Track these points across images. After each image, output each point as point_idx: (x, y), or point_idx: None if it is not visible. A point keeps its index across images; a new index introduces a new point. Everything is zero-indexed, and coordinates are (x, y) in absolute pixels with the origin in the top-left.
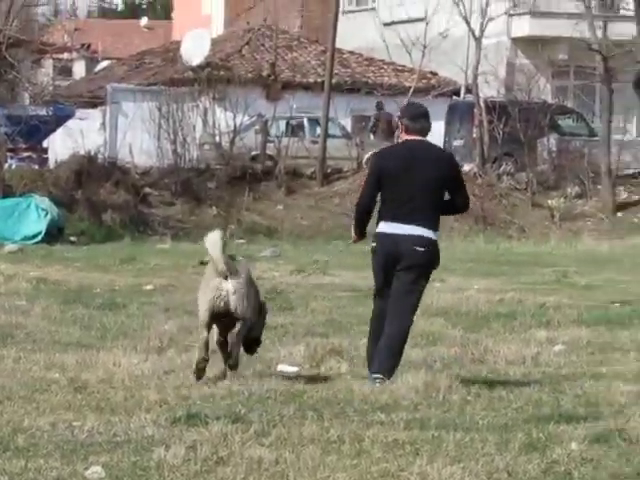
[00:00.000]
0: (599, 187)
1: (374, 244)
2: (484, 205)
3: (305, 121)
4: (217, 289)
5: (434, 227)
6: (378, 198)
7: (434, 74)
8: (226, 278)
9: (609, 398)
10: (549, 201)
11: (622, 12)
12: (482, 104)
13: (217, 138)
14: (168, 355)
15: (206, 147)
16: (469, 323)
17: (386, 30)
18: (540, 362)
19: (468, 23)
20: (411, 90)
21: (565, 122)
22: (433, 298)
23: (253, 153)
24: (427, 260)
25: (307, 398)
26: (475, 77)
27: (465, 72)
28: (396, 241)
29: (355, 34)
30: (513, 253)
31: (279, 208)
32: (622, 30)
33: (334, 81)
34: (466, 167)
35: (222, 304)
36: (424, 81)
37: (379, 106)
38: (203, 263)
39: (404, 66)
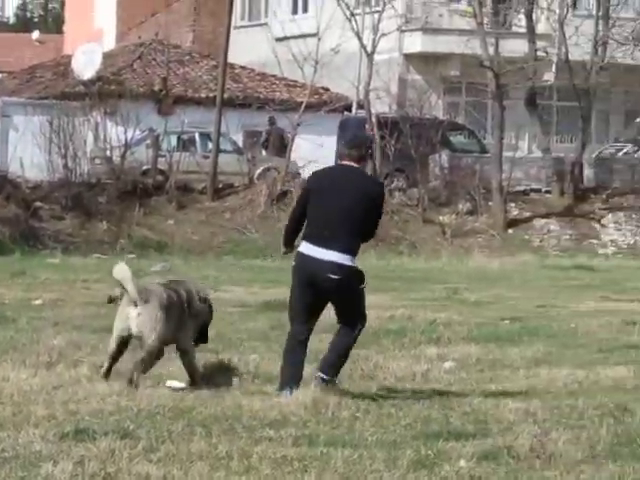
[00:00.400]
0: (490, 204)
1: (294, 262)
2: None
3: (196, 136)
4: (126, 317)
5: (351, 253)
6: None
7: (326, 90)
8: (135, 305)
9: (498, 415)
10: (440, 217)
11: (514, 29)
12: (374, 120)
13: (108, 152)
14: (57, 370)
15: (97, 161)
16: (359, 339)
17: (278, 45)
18: (430, 379)
19: (360, 39)
20: (303, 106)
21: (457, 138)
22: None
23: (144, 168)
24: (343, 286)
25: (196, 414)
26: (367, 93)
27: (357, 88)
28: (313, 265)
29: (247, 49)
30: (404, 269)
31: (170, 223)
32: (514, 47)
33: (226, 96)
34: None
35: (127, 332)
36: (316, 96)
37: (271, 121)
38: (112, 301)
39: (296, 81)
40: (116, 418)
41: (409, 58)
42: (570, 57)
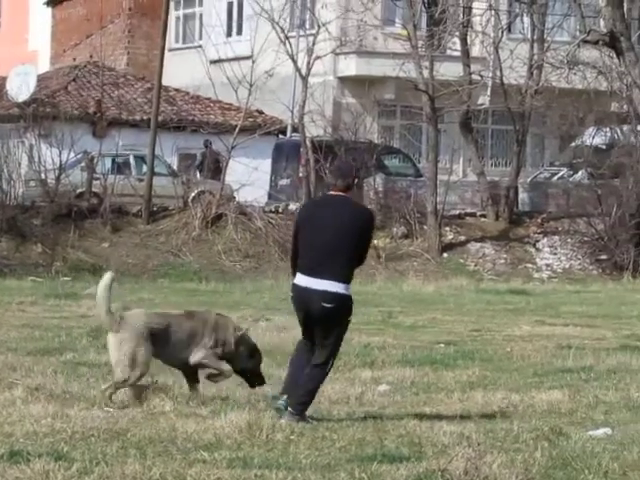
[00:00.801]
0: (425, 227)
1: (291, 294)
2: None
3: (131, 159)
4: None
5: (345, 280)
6: None
7: (260, 112)
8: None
9: (432, 438)
10: (375, 241)
11: (448, 52)
12: (308, 143)
13: (43, 175)
14: None
15: (32, 184)
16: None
17: (212, 68)
18: (364, 402)
19: (295, 62)
20: (237, 129)
21: (391, 162)
22: (258, 337)
23: (79, 190)
24: (335, 315)
25: (130, 436)
26: (301, 116)
27: (292, 111)
28: (306, 295)
29: (182, 72)
30: None
31: (105, 246)
32: (448, 70)
33: (160, 119)
34: (292, 206)
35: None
36: (250, 119)
37: (206, 144)
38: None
39: (231, 104)
40: (50, 440)
41: (344, 81)
42: (505, 80)
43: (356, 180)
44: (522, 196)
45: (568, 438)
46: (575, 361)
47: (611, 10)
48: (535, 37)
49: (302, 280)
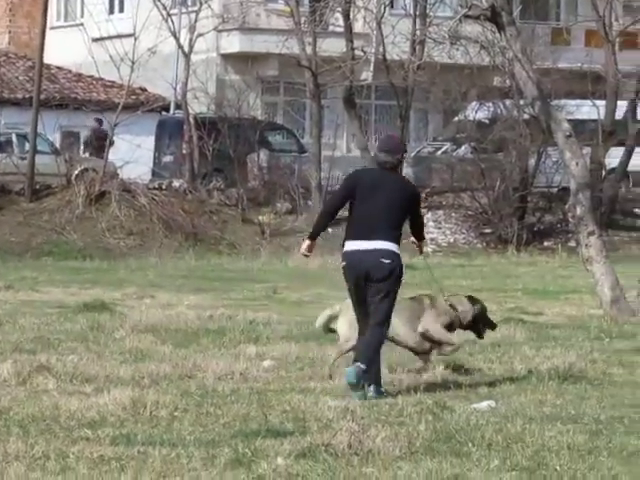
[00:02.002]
0: (309, 203)
1: (343, 263)
2: (194, 221)
3: (13, 137)
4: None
5: (397, 242)
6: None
7: (143, 90)
8: None
9: (317, 413)
10: (259, 217)
11: (331, 28)
12: (192, 120)
13: None
14: None
15: None
16: (179, 339)
17: (95, 46)
18: (249, 377)
19: (177, 39)
20: (120, 106)
21: (275, 138)
22: (142, 315)
23: None
24: (393, 270)
25: (13, 414)
26: (184, 93)
27: (175, 88)
28: (364, 256)
29: (64, 50)
30: (224, 269)
31: None
32: (331, 46)
33: (43, 97)
34: (176, 183)
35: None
36: (133, 97)
37: (98, 121)
38: None
39: (113, 82)
40: None
41: (227, 58)
42: (388, 56)
43: (405, 155)
44: (406, 171)
45: (452, 411)
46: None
47: None
48: (417, 12)
49: (355, 245)
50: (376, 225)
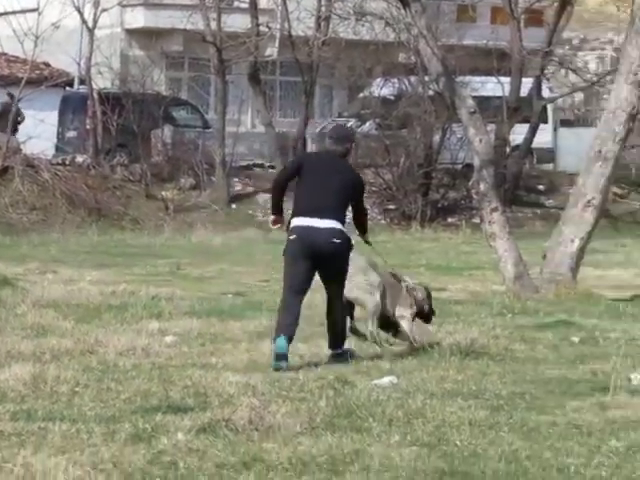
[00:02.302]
0: (213, 179)
1: (292, 236)
2: (97, 197)
3: None
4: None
5: (343, 223)
6: None
7: (47, 65)
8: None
9: (218, 388)
10: (163, 193)
11: (236, 4)
12: (96, 95)
13: None
14: None
15: None
16: (80, 315)
17: None
18: (151, 353)
19: (81, 14)
20: (23, 81)
21: (179, 114)
22: (44, 290)
23: None
24: (342, 250)
25: None
26: (88, 68)
27: (79, 63)
28: (315, 233)
29: None
30: (127, 245)
31: None
32: (236, 22)
33: None
34: (79, 158)
35: None
36: (37, 72)
37: (9, 96)
38: None
39: (17, 57)
40: None
41: (131, 33)
42: (293, 32)
43: (353, 145)
44: (311, 147)
45: (353, 387)
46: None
47: None
48: None
49: (307, 221)
50: (325, 205)
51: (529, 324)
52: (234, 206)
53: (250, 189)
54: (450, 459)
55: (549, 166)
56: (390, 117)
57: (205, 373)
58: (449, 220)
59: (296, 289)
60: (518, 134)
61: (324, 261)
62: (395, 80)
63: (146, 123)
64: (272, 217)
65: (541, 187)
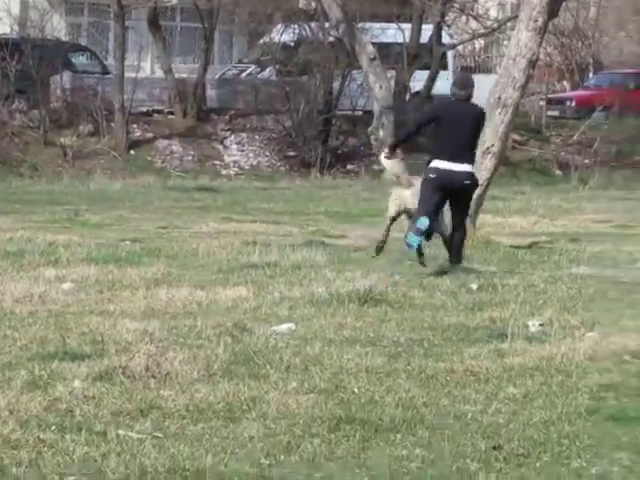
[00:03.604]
0: (112, 125)
1: (432, 175)
2: None
3: None
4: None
5: (473, 164)
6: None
7: None
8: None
9: (115, 336)
10: (62, 139)
11: None
12: None
13: None
14: None
15: None
16: None
17: None
18: (47, 300)
19: None
20: None
21: (78, 60)
22: None
23: None
24: (471, 188)
25: None
26: None
27: None
28: (452, 176)
29: None
30: (25, 191)
31: None
32: None
33: None
34: None
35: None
36: None
37: None
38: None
39: None
40: None
41: None
42: None
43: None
44: (210, 93)
45: (251, 334)
46: (261, 257)
47: None
48: None
49: (446, 164)
50: (461, 149)
51: (427, 271)
52: (133, 152)
53: (149, 135)
54: (347, 406)
55: None
56: (290, 63)
57: (102, 320)
58: (349, 167)
59: (426, 210)
60: (418, 80)
61: (456, 197)
62: (295, 26)
63: (45, 69)
64: (386, 150)
65: None
